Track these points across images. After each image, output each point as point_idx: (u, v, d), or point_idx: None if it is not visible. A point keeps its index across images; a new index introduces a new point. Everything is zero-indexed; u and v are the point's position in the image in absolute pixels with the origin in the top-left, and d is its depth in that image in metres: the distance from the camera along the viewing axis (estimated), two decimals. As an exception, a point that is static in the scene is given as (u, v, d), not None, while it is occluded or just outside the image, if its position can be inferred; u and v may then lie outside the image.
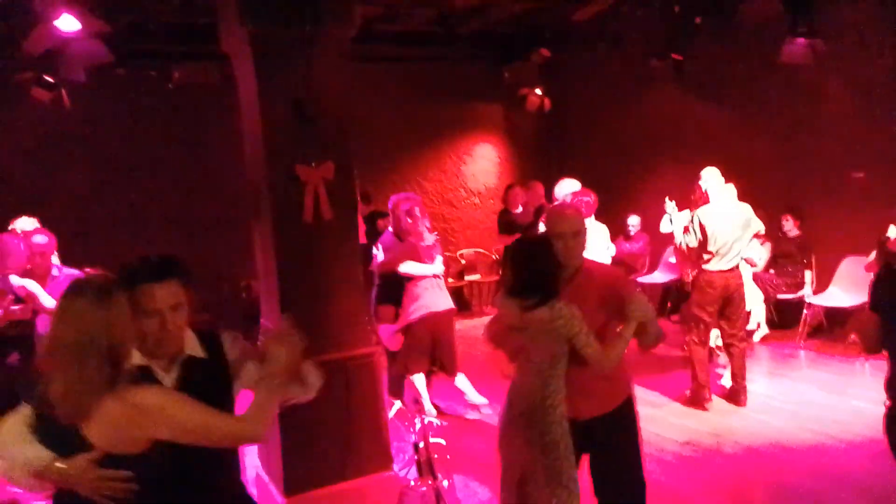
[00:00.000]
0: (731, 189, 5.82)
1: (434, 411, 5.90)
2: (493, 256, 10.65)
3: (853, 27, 7.17)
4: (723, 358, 6.33)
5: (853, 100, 7.30)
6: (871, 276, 6.64)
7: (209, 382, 2.20)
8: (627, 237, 9.65)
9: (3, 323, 4.57)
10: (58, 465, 1.94)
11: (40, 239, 4.84)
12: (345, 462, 4.25)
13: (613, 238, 9.65)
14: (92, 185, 8.24)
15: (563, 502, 3.01)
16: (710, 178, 5.72)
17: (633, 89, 9.53)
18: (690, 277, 5.99)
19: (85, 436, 1.93)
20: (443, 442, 4.54)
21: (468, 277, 10.53)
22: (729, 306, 5.68)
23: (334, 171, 4.19)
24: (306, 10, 4.05)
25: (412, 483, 4.35)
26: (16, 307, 4.57)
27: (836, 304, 7.36)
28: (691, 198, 6.00)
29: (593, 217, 5.53)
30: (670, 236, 6.40)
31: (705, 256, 5.61)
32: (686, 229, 5.69)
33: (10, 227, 5.07)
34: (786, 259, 7.82)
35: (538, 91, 9.97)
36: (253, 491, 4.15)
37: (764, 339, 7.64)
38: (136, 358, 2.08)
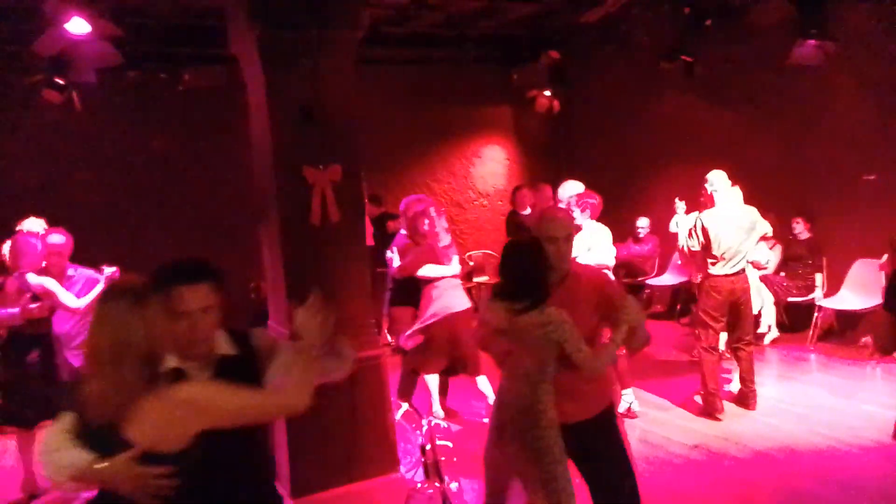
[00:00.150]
0: (738, 192, 5.76)
1: (442, 413, 5.90)
2: (502, 258, 10.62)
3: (864, 29, 7.12)
4: (728, 362, 6.29)
5: (865, 102, 7.26)
6: (883, 278, 6.69)
7: (243, 379, 2.22)
8: (636, 239, 9.61)
9: (22, 321, 4.61)
10: (98, 465, 1.97)
11: (57, 239, 4.88)
12: (351, 464, 4.26)
13: (622, 240, 9.71)
14: (101, 187, 8.28)
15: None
16: (716, 181, 5.64)
17: (642, 91, 9.50)
18: (698, 280, 5.96)
19: (125, 437, 1.96)
20: (450, 444, 4.54)
21: (476, 279, 10.51)
22: (735, 311, 5.62)
23: (342, 173, 4.20)
24: (314, 12, 4.07)
25: (419, 485, 4.35)
26: (33, 305, 4.61)
27: (846, 307, 7.31)
28: (700, 200, 5.97)
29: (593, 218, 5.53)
30: (678, 238, 6.38)
31: (710, 260, 5.57)
32: (690, 233, 5.66)
33: (17, 228, 5.11)
34: (796, 262, 7.78)
35: (547, 93, 9.94)
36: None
37: (774, 342, 7.61)
38: (171, 360, 2.11)
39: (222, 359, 2.24)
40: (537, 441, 2.97)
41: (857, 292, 7.29)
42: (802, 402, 5.89)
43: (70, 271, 4.92)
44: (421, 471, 4.34)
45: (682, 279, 8.80)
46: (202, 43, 7.39)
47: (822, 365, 6.98)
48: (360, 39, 4.36)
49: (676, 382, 6.45)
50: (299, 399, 2.12)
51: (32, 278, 4.64)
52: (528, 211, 8.49)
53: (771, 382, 6.47)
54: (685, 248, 5.73)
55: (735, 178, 6.11)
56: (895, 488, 4.35)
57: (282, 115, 4.12)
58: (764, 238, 6.04)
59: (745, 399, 5.75)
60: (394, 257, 5.82)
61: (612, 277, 5.79)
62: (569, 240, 3.22)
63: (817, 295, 7.56)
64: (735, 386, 5.95)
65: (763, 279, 7.58)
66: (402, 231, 5.98)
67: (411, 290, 5.74)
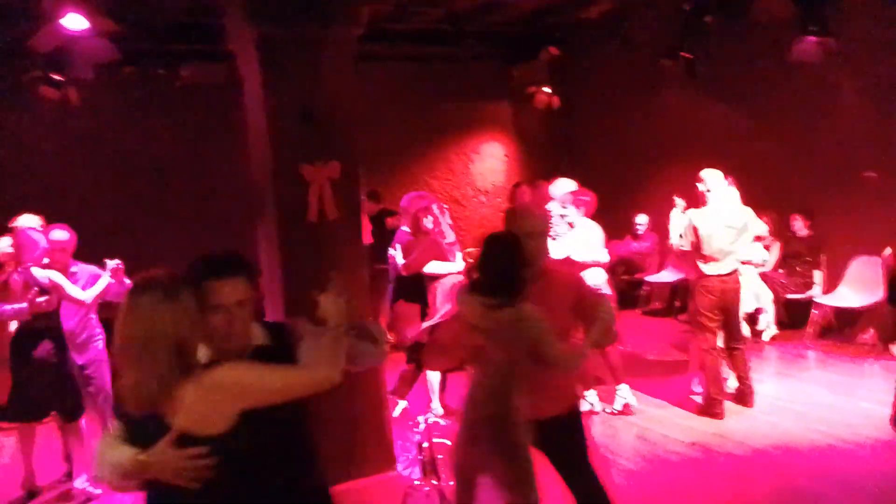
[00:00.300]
0: (733, 192, 5.72)
1: (441, 410, 5.89)
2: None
3: (865, 26, 7.10)
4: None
5: (865, 99, 7.24)
6: (881, 275, 6.69)
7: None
8: (635, 236, 9.61)
9: (30, 315, 4.61)
10: (139, 457, 2.00)
11: (61, 235, 4.89)
12: (348, 462, 4.25)
13: (621, 237, 9.71)
14: (98, 183, 8.27)
15: (531, 501, 3.00)
16: (709, 180, 5.58)
17: (642, 88, 9.48)
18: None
19: (167, 427, 1.99)
20: (448, 442, 4.53)
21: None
22: (725, 312, 5.56)
23: (339, 170, 4.19)
24: (312, 10, 4.06)
25: (416, 483, 4.35)
26: (41, 299, 4.61)
27: (845, 304, 7.31)
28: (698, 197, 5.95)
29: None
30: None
31: (700, 261, 5.51)
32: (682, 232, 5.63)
33: (12, 225, 5.10)
34: (795, 259, 7.78)
35: (547, 89, 9.93)
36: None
37: (773, 340, 7.61)
38: (205, 353, 2.12)
39: (257, 349, 2.23)
40: (509, 437, 2.96)
41: (856, 289, 7.29)
42: (801, 400, 5.88)
43: (73, 268, 4.93)
44: (418, 468, 4.34)
45: (681, 276, 8.79)
46: (200, 39, 7.37)
47: (820, 362, 6.97)
48: (359, 36, 4.34)
49: (674, 380, 6.44)
50: (329, 372, 2.13)
51: (38, 272, 4.65)
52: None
53: (769, 380, 6.46)
54: (676, 248, 5.71)
55: (735, 176, 6.11)
56: (893, 485, 4.34)
57: (279, 113, 4.12)
58: (759, 238, 6.02)
59: (744, 397, 5.74)
60: (397, 254, 5.80)
61: (606, 275, 5.81)
62: (545, 236, 3.24)
63: (816, 292, 7.56)
64: (732, 383, 5.94)
65: (762, 276, 7.57)
66: (404, 227, 5.97)
67: (416, 287, 5.73)
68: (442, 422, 5.33)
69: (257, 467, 2.11)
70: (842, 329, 7.54)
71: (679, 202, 7.70)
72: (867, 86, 7.21)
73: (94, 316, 5.11)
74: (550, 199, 6.97)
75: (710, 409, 5.60)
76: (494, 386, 2.98)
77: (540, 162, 10.82)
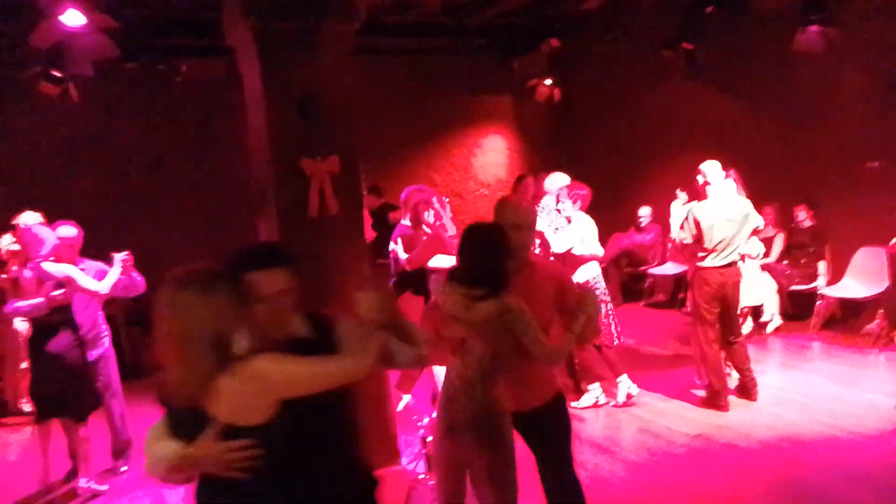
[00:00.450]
0: (731, 183, 5.68)
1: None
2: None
3: (867, 15, 7.05)
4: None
5: (868, 89, 7.20)
6: (885, 265, 6.66)
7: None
8: (638, 228, 9.59)
9: (48, 310, 4.61)
10: (185, 451, 2.02)
11: (70, 231, 4.89)
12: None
13: (625, 229, 9.69)
14: (99, 179, 8.27)
15: (510, 495, 2.99)
16: (709, 172, 5.54)
17: (644, 79, 9.44)
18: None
19: (210, 418, 2.01)
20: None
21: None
22: (724, 304, 5.53)
23: (340, 165, 4.17)
24: (310, 3, 4.04)
25: (421, 477, 4.35)
26: (57, 292, 4.60)
27: (850, 295, 7.28)
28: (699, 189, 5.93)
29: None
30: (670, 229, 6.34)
31: (700, 254, 5.49)
32: (682, 225, 5.60)
33: (13, 223, 5.09)
34: (799, 250, 7.75)
35: (548, 82, 9.90)
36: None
37: (777, 331, 7.59)
38: (244, 344, 2.13)
39: (298, 342, 2.24)
40: (492, 430, 2.94)
41: (861, 280, 7.26)
42: (805, 391, 5.86)
43: (80, 265, 4.92)
44: (423, 463, 4.33)
45: (684, 268, 8.77)
46: (200, 34, 7.35)
47: (825, 353, 6.95)
48: (358, 29, 4.32)
49: (678, 372, 6.44)
50: (359, 364, 2.16)
51: (52, 266, 4.64)
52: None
53: (774, 371, 6.45)
54: (678, 240, 5.68)
55: (738, 167, 6.08)
56: (898, 477, 4.33)
57: (279, 107, 4.09)
58: (755, 232, 5.99)
59: (746, 389, 5.71)
60: (398, 249, 5.78)
61: (600, 269, 5.80)
62: (531, 228, 3.22)
63: (820, 283, 7.54)
64: (734, 377, 5.90)
65: (766, 267, 7.55)
66: (403, 221, 5.95)
67: (420, 281, 5.71)
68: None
69: (301, 455, 2.13)
70: (846, 320, 7.52)
71: (681, 195, 7.66)
72: (871, 75, 7.16)
73: (101, 313, 5.11)
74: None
75: (714, 401, 5.59)
76: (474, 378, 2.93)
77: (542, 155, 10.80)
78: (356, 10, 4.24)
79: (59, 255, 4.75)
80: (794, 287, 7.69)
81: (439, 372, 5.86)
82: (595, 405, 5.78)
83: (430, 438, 4.07)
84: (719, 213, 5.44)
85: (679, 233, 5.59)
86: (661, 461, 4.82)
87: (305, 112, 4.08)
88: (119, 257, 4.85)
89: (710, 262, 5.47)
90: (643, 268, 9.55)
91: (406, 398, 5.88)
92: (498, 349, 2.93)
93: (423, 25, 8.96)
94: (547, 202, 5.73)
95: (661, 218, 8.98)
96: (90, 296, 4.89)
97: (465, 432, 2.96)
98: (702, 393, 5.82)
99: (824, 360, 6.78)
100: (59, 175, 7.99)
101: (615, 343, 5.82)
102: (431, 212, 5.75)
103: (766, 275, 7.49)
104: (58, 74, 6.49)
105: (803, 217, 7.73)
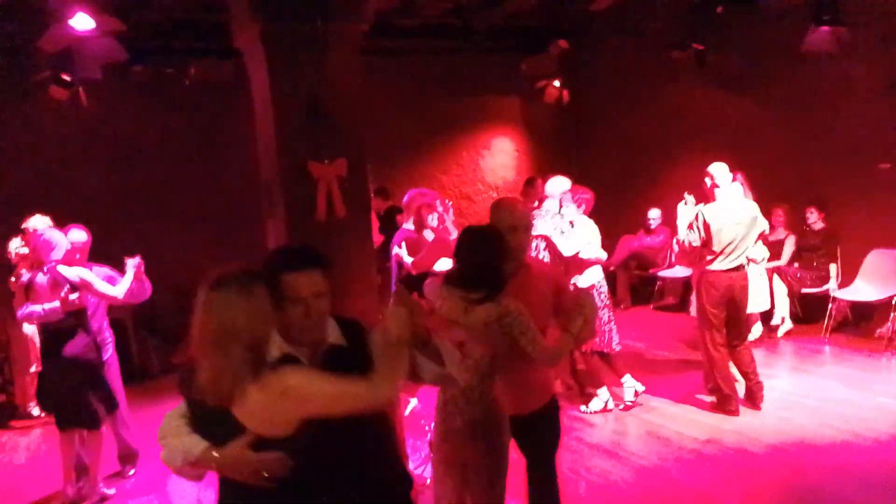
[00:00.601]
0: (738, 186, 5.63)
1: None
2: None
3: (878, 15, 7.00)
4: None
5: (880, 89, 7.14)
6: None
7: (351, 370, 2.20)
8: (648, 231, 9.54)
9: (62, 314, 4.61)
10: (214, 453, 2.03)
11: (80, 235, 4.90)
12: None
13: (634, 231, 9.64)
14: (108, 182, 8.28)
15: (498, 498, 2.98)
16: (717, 174, 5.49)
17: (653, 80, 9.40)
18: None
19: (238, 420, 2.01)
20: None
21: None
22: (732, 308, 5.48)
23: (347, 167, 4.16)
24: (317, 5, 4.02)
25: (428, 482, 4.32)
26: (73, 296, 4.60)
27: (861, 298, 7.22)
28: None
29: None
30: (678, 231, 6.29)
31: (708, 257, 5.44)
32: (690, 226, 5.55)
33: (23, 227, 5.10)
34: (810, 252, 7.69)
35: (556, 83, 9.86)
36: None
37: (788, 334, 7.54)
38: (281, 346, 2.14)
39: (332, 349, 2.24)
40: (488, 433, 2.93)
41: (872, 283, 7.20)
42: (816, 395, 5.81)
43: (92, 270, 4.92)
44: (430, 467, 4.31)
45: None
46: (208, 37, 7.36)
47: (836, 357, 6.90)
48: (366, 31, 4.31)
49: (688, 376, 6.40)
50: (388, 392, 2.14)
51: (68, 270, 4.64)
52: (536, 204, 8.39)
53: (784, 375, 6.40)
54: (686, 243, 5.63)
55: (748, 168, 6.04)
56: (911, 482, 4.28)
57: (286, 109, 4.08)
58: (761, 236, 5.93)
59: (752, 395, 5.60)
60: (402, 253, 5.76)
61: (602, 273, 5.77)
62: (528, 230, 3.23)
63: (832, 286, 7.48)
64: (741, 383, 5.82)
65: (777, 270, 7.50)
66: (406, 225, 5.92)
67: (420, 282, 5.68)
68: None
69: (330, 467, 2.13)
70: (858, 323, 7.46)
71: (689, 198, 7.61)
72: (882, 76, 7.11)
73: (106, 319, 5.10)
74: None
75: (724, 405, 5.54)
76: (471, 381, 2.91)
77: (551, 156, 10.76)
78: (364, 11, 4.22)
79: (68, 259, 4.75)
80: (805, 290, 7.63)
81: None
82: (604, 409, 5.75)
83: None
84: (728, 216, 5.40)
85: (688, 234, 5.54)
86: (671, 465, 4.79)
87: (314, 114, 4.07)
88: (132, 263, 4.84)
89: (717, 265, 5.42)
90: (652, 270, 9.50)
91: (413, 402, 5.90)
92: (496, 352, 2.92)
93: (431, 27, 8.95)
94: (549, 206, 5.71)
95: (671, 220, 8.92)
96: (99, 301, 4.89)
97: (464, 436, 2.95)
98: (711, 398, 5.77)
99: (835, 363, 6.72)
100: (67, 178, 8.01)
101: (615, 349, 5.77)
102: (435, 215, 5.73)
103: (767, 279, 7.37)
104: (67, 78, 6.51)
105: (814, 219, 7.68)
